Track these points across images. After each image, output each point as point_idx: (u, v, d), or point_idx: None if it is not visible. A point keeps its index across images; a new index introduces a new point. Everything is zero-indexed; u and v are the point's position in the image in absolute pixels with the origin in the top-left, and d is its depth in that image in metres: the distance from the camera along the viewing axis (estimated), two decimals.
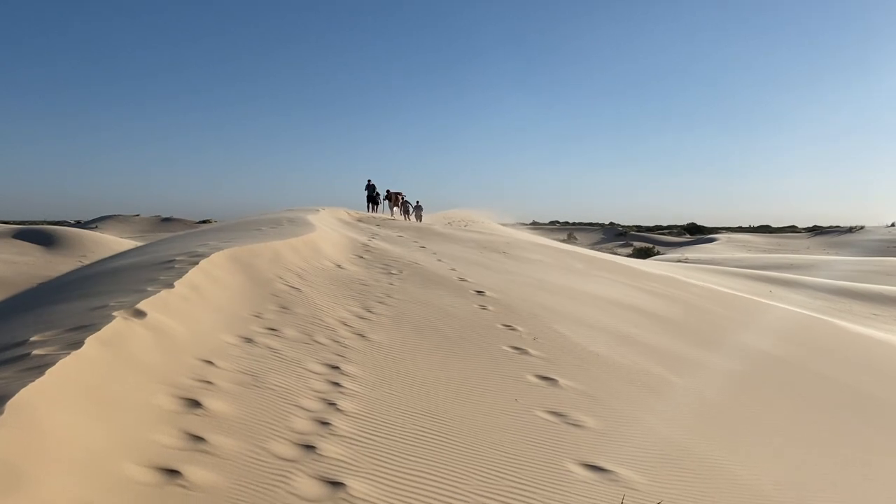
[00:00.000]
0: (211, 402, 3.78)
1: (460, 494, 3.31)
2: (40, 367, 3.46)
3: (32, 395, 3.03)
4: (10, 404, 2.83)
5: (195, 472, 2.94)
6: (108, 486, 2.66)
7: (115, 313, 4.67)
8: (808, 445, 5.63)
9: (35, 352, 3.84)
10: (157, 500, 2.66)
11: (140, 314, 4.76)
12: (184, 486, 2.81)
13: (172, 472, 2.90)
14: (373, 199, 29.65)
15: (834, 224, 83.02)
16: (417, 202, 31.33)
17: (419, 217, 30.95)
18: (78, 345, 3.87)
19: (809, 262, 39.27)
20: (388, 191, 30.92)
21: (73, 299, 6.18)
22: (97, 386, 3.55)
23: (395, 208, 30.46)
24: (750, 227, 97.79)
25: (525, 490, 3.50)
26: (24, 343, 4.24)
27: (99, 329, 4.20)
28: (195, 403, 3.73)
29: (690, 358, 8.01)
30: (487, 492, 3.39)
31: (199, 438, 3.29)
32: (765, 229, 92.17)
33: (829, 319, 15.98)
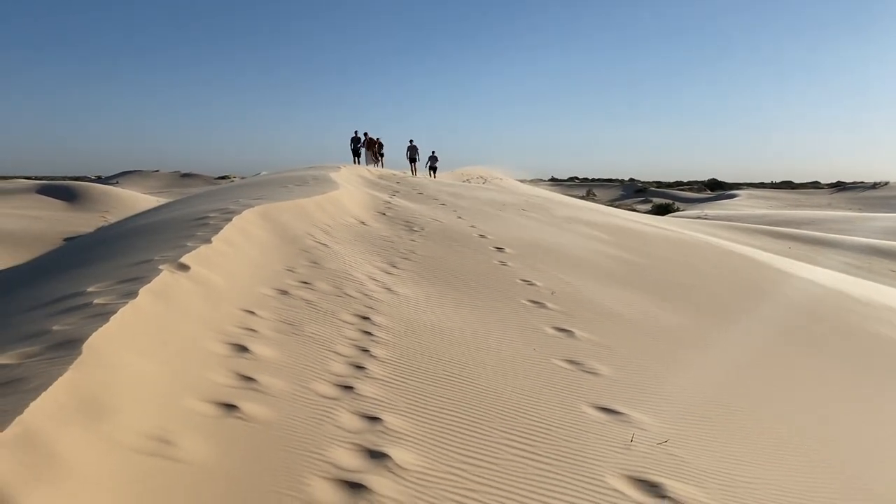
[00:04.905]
0: (257, 348, 4.15)
1: (485, 430, 3.66)
2: (103, 314, 3.82)
3: (102, 339, 3.39)
4: (87, 345, 3.19)
5: (251, 406, 3.31)
6: (179, 416, 3.03)
7: (161, 266, 5.03)
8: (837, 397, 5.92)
9: (96, 301, 4.21)
10: (222, 429, 3.03)
11: (184, 267, 5.11)
12: (242, 419, 3.18)
13: (231, 407, 3.26)
14: (357, 151, 26.54)
15: (858, 180, 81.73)
16: (433, 152, 28.46)
17: (433, 171, 28.20)
18: (133, 295, 4.23)
19: (830, 217, 38.95)
20: (365, 134, 26.64)
21: (116, 254, 6.56)
22: (153, 331, 3.92)
23: (374, 161, 26.57)
24: (772, 182, 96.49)
25: (542, 428, 3.84)
26: (82, 293, 4.61)
27: (149, 281, 4.56)
28: (243, 348, 4.09)
29: (708, 312, 8.27)
30: (508, 428, 3.73)
31: (250, 378, 3.66)
32: (787, 185, 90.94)
33: (845, 276, 16.08)
